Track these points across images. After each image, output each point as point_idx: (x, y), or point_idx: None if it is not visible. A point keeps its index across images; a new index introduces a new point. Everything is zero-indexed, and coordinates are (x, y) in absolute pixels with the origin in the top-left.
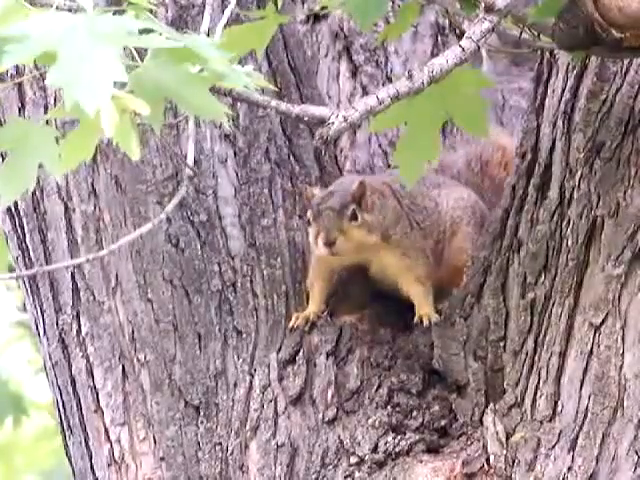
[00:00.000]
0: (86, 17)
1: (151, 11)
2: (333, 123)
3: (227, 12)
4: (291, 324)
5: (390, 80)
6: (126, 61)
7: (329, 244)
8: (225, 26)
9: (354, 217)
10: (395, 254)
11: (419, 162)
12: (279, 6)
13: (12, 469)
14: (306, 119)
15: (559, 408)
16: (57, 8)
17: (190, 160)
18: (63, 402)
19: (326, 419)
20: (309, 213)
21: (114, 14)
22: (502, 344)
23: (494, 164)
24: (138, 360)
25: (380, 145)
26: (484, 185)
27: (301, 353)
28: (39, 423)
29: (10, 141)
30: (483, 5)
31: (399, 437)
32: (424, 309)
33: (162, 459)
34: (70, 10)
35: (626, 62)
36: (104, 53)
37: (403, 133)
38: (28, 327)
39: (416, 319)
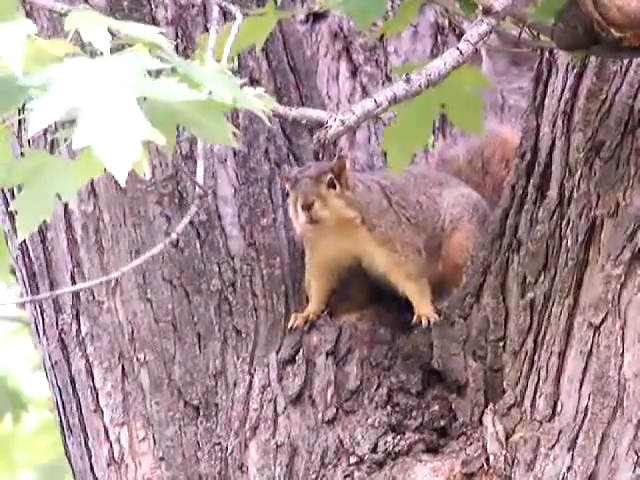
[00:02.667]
0: (103, 63)
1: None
2: (331, 126)
3: (234, 29)
4: (290, 324)
5: (389, 80)
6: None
7: (307, 207)
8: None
9: (332, 185)
10: (383, 250)
11: (407, 150)
12: (278, 3)
13: (11, 463)
14: (304, 122)
15: (559, 408)
16: (70, 41)
17: (200, 179)
18: (63, 402)
19: (326, 419)
20: (287, 186)
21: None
22: (502, 344)
23: (496, 161)
24: (138, 360)
25: (380, 145)
26: (485, 184)
27: (300, 353)
28: (38, 418)
29: (25, 173)
30: (481, 8)
31: (398, 437)
32: (423, 309)
33: (161, 459)
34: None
35: (626, 62)
36: (128, 107)
37: (395, 121)
38: (26, 323)
39: (415, 319)
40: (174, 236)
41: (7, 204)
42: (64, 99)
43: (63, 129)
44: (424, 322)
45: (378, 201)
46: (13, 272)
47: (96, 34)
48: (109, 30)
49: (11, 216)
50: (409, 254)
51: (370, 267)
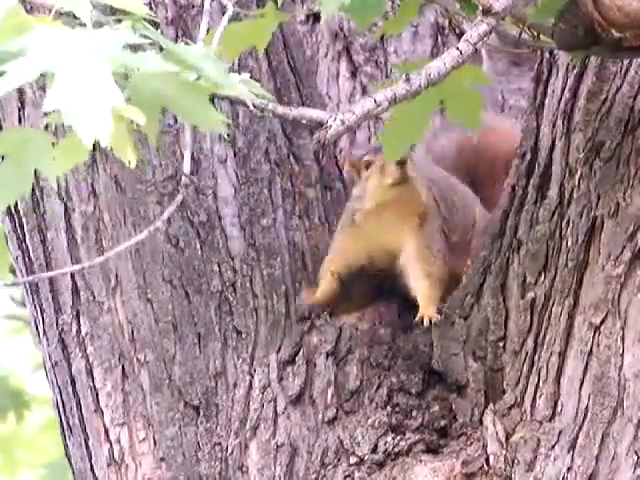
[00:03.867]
0: (83, 33)
1: (151, 22)
2: (330, 126)
3: (225, 19)
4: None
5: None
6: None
7: (402, 163)
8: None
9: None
10: (419, 243)
11: (403, 145)
12: (279, 4)
13: (13, 462)
14: (304, 122)
15: (559, 408)
16: (56, 13)
17: (187, 168)
18: (63, 402)
19: (326, 419)
20: (366, 158)
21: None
22: (502, 344)
23: (489, 145)
24: (138, 360)
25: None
26: (480, 172)
27: (301, 353)
28: (41, 416)
29: (7, 146)
30: (481, 8)
31: (399, 437)
32: (428, 310)
33: (162, 459)
34: (67, 15)
35: (626, 62)
36: (102, 76)
37: (393, 114)
38: (27, 321)
39: (417, 318)
40: (158, 224)
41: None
42: (38, 63)
43: None
44: (425, 321)
45: (433, 207)
46: (13, 271)
47: (77, 4)
48: (93, 2)
49: (11, 216)
50: (439, 257)
51: (399, 259)
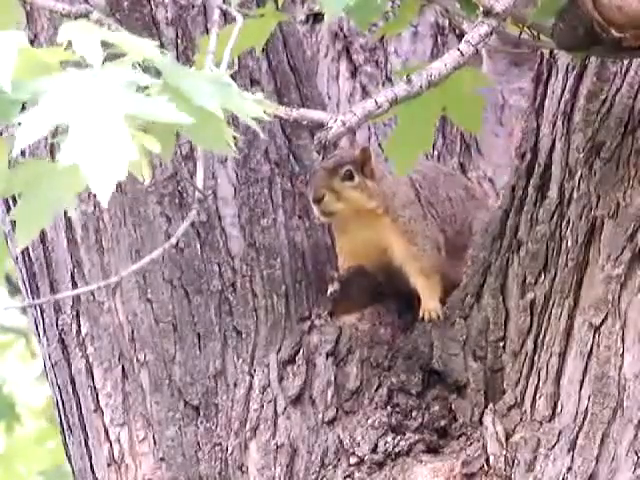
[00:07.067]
0: (94, 76)
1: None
2: (331, 127)
3: (235, 32)
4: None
5: (390, 80)
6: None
7: (317, 201)
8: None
9: (349, 177)
10: (402, 241)
11: (411, 154)
12: (279, 5)
13: (13, 474)
14: (304, 123)
15: (559, 408)
16: (65, 48)
17: (200, 182)
18: (63, 402)
19: (326, 419)
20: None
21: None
22: (502, 344)
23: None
24: (138, 360)
25: (380, 145)
26: None
27: (301, 353)
28: (35, 426)
29: (21, 184)
30: (482, 9)
31: (399, 437)
32: (429, 304)
33: (162, 459)
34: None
35: (626, 62)
36: (116, 128)
37: (397, 125)
38: (22, 333)
39: (421, 314)
40: (173, 240)
41: (7, 206)
42: (52, 115)
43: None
44: (426, 317)
45: (405, 193)
46: (8, 280)
47: (89, 47)
48: (104, 41)
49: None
50: (427, 249)
51: (392, 259)
